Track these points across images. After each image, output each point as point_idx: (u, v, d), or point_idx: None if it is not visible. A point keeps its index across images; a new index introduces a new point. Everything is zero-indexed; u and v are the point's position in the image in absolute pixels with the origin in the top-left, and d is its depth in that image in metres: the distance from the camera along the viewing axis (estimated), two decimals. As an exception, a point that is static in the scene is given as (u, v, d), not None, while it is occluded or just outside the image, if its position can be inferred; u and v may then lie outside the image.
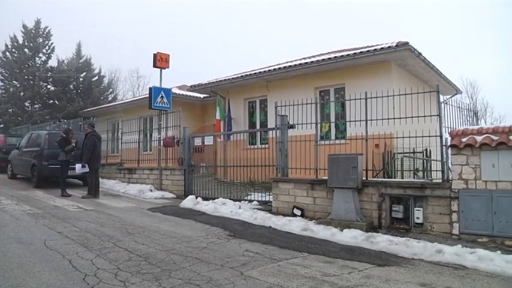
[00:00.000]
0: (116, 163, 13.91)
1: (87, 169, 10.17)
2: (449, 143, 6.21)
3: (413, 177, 8.82)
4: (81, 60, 31.10)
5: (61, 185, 10.34)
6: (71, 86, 29.84)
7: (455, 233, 5.98)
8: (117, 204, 9.30)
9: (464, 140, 5.99)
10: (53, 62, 29.75)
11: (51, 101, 28.87)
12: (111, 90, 33.86)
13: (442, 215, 6.20)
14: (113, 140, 16.13)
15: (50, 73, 28.81)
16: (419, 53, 10.56)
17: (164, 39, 54.96)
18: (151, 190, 11.17)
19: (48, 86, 29.35)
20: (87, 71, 30.74)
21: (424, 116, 6.69)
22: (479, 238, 5.74)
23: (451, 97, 14.53)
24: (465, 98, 32.72)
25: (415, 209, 6.46)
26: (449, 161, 6.29)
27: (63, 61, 30.20)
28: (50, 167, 11.42)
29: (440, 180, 6.47)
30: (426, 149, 8.91)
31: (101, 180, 11.33)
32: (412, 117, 6.84)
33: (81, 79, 30.24)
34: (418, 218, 6.41)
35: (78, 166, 10.14)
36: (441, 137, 6.54)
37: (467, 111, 7.82)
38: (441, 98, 7.11)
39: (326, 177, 7.44)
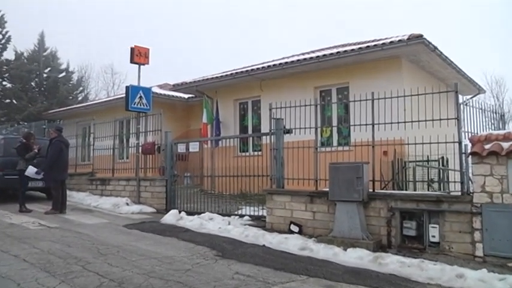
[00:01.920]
0: (86, 173, 13.75)
1: (39, 176, 10.03)
2: (469, 150, 6.17)
3: (428, 189, 8.83)
4: (44, 54, 30.29)
5: (20, 198, 10.11)
6: (33, 83, 29.11)
7: (479, 255, 5.90)
8: (87, 220, 9.17)
9: (487, 146, 5.93)
10: (9, 55, 28.82)
11: (8, 100, 27.91)
12: (81, 88, 33.59)
13: (462, 234, 6.13)
14: (83, 146, 15.99)
15: (5, 67, 28.00)
16: (435, 47, 10.60)
17: (144, 30, 55.09)
18: (127, 204, 11.05)
19: (4, 83, 28.43)
20: (52, 66, 30.26)
21: (440, 120, 6.68)
22: (510, 262, 5.61)
23: (472, 97, 14.64)
24: (489, 98, 32.26)
25: (430, 226, 6.41)
26: (470, 171, 6.26)
27: (22, 54, 29.21)
28: (6, 178, 11.15)
29: (460, 193, 6.43)
30: (442, 157, 8.92)
31: (68, 192, 11.16)
32: (426, 120, 6.82)
33: (44, 75, 29.61)
34: (433, 236, 6.35)
35: (31, 169, 9.94)
36: (460, 143, 6.51)
37: (492, 114, 7.76)
38: (460, 98, 7.13)
39: (327, 189, 7.39)
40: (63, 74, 30.96)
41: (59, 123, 18.64)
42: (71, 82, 31.61)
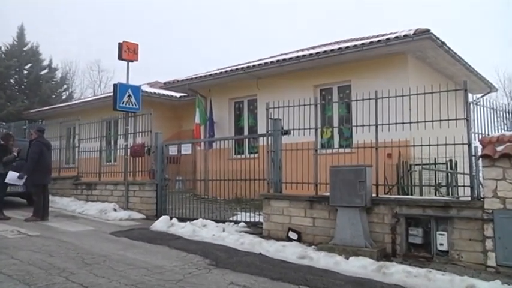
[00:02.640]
0: (71, 177, 13.68)
1: (21, 182, 9.94)
2: (480, 153, 6.17)
3: (435, 194, 8.82)
4: (25, 48, 30.23)
5: None
6: (12, 81, 29.05)
7: (491, 265, 5.86)
8: (71, 227, 9.10)
9: (499, 148, 5.90)
10: (-16, 49, 28.92)
11: (-16, 99, 28.11)
12: (65, 86, 33.55)
13: (472, 242, 6.10)
14: (67, 149, 15.91)
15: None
16: (443, 42, 10.62)
17: (133, 25, 55.05)
18: (115, 210, 11.01)
19: (-21, 80, 28.38)
20: (34, 62, 30.12)
21: (448, 120, 6.66)
22: (526, 274, 5.59)
23: (483, 96, 14.67)
24: (502, 96, 32.24)
25: (438, 233, 6.39)
26: (481, 175, 6.25)
27: (-1, 48, 29.51)
28: None
29: (469, 198, 6.41)
30: (451, 160, 8.92)
31: (51, 198, 11.09)
32: (433, 121, 6.82)
33: (25, 72, 29.56)
34: (441, 244, 6.33)
35: (12, 174, 9.82)
36: (470, 145, 6.49)
37: (505, 113, 7.72)
38: (470, 97, 7.13)
39: (328, 194, 7.38)
40: (46, 70, 30.84)
41: (40, 123, 18.58)
42: (54, 79, 31.50)
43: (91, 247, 7.08)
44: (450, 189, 8.24)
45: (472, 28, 51.30)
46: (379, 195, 7.26)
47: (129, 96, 11.41)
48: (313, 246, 7.19)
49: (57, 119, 16.70)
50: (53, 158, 11.50)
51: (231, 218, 9.55)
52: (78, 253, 6.59)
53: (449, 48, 10.98)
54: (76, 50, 55.10)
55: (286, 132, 8.48)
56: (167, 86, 16.18)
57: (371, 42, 10.89)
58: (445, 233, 6.33)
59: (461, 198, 6.83)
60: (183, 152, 11.09)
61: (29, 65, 29.92)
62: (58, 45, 47.93)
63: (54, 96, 30.03)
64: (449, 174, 9.12)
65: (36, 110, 22.98)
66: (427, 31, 10.05)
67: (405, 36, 10.27)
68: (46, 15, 54.44)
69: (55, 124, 15.56)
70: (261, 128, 12.52)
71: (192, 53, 57.73)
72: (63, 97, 31.53)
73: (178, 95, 17.87)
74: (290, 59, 12.53)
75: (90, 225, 9.41)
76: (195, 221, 9.09)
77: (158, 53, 52.42)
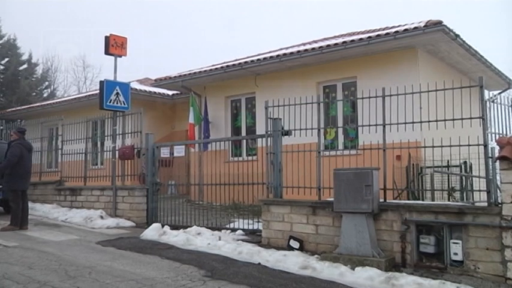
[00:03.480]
0: (53, 181, 13.62)
1: None
2: (497, 154, 6.14)
3: (448, 199, 8.81)
4: (0, 41, 30.31)
5: None
6: (-14, 77, 29.21)
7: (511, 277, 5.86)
8: (53, 237, 9.05)
9: (519, 150, 5.89)
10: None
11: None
12: (46, 83, 33.52)
13: (490, 251, 6.05)
14: (49, 151, 15.88)
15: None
16: (457, 35, 10.61)
17: (121, 17, 55.07)
18: (102, 217, 10.98)
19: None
20: (11, 57, 30.01)
21: (462, 119, 6.63)
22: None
23: (500, 93, 14.69)
24: None
25: (452, 241, 6.35)
26: (498, 178, 6.22)
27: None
28: None
29: (486, 204, 6.38)
30: (465, 162, 8.90)
31: (31, 205, 11.07)
32: (445, 120, 6.79)
33: (1, 67, 29.50)
34: (455, 253, 6.29)
35: None
36: (486, 146, 6.45)
37: None
38: (487, 94, 7.08)
39: (332, 199, 7.35)
40: (25, 66, 30.72)
41: (20, 123, 18.51)
42: (35, 76, 31.42)
43: (75, 258, 7.03)
44: (465, 194, 8.22)
45: (488, 18, 51.45)
46: (387, 201, 7.24)
47: (117, 94, 11.39)
48: (316, 256, 7.16)
49: (38, 118, 16.61)
50: (34, 162, 11.46)
51: (227, 226, 9.53)
52: (61, 265, 6.54)
53: (464, 41, 10.95)
54: (59, 43, 55.10)
55: (287, 133, 8.46)
56: (158, 83, 16.18)
57: (378, 36, 10.88)
58: (460, 241, 6.28)
59: (477, 204, 6.81)
60: (175, 155, 11.09)
61: (6, 59, 29.80)
62: (39, 38, 47.90)
63: (34, 94, 29.97)
64: (463, 177, 9.11)
65: (14, 108, 22.97)
66: (439, 23, 10.02)
67: (415, 28, 10.25)
68: (24, 4, 54.33)
69: (36, 124, 15.49)
70: (260, 129, 12.53)
71: (187, 49, 57.84)
72: (45, 95, 31.50)
73: (170, 92, 17.86)
74: (291, 53, 12.52)
75: (74, 234, 9.36)
76: (188, 228, 9.05)
77: (149, 48, 52.32)
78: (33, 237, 8.94)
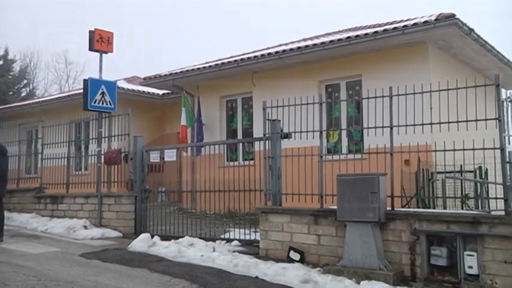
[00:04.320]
0: (32, 188, 13.59)
1: None
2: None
3: (462, 208, 8.82)
4: (-28, 36, 30.41)
5: None
6: (-43, 74, 29.13)
7: (533, 293, 5.83)
8: (32, 249, 8.99)
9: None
10: None
11: None
12: (25, 81, 33.49)
13: (508, 264, 6.02)
14: (28, 156, 15.85)
15: None
16: (471, 29, 10.62)
17: (108, 10, 55.07)
18: (86, 227, 10.96)
19: None
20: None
21: (477, 120, 6.62)
22: None
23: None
24: None
25: (466, 253, 6.32)
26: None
27: None
28: None
29: (503, 213, 6.39)
30: (480, 167, 8.91)
31: (7, 214, 11.03)
32: (458, 121, 6.76)
33: (-27, 64, 29.54)
34: (470, 267, 6.25)
35: None
36: (503, 149, 6.45)
37: None
38: (504, 93, 7.10)
39: (335, 207, 7.37)
40: (0, 62, 30.70)
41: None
42: (12, 73, 31.41)
43: (56, 272, 6.99)
44: (480, 202, 8.22)
45: (505, 11, 51.64)
46: (395, 209, 7.23)
47: (103, 93, 11.37)
48: (318, 269, 7.16)
49: (15, 120, 16.53)
50: (11, 167, 11.41)
51: (222, 236, 9.53)
52: (40, 280, 6.49)
53: (479, 36, 10.97)
54: (39, 38, 55.03)
55: (287, 136, 8.46)
56: (148, 81, 16.18)
57: (385, 30, 10.91)
58: (475, 253, 6.26)
59: (493, 213, 6.82)
60: (166, 159, 11.07)
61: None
62: (16, 32, 47.79)
63: (11, 93, 29.98)
64: (478, 184, 9.11)
65: (-12, 109, 22.88)
66: (452, 16, 10.01)
67: (425, 22, 10.26)
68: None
69: (13, 126, 15.45)
70: (258, 131, 12.50)
71: (180, 47, 57.95)
72: (23, 94, 31.49)
73: (161, 92, 17.87)
74: (291, 50, 12.55)
75: (55, 246, 9.32)
76: (180, 239, 9.07)
77: (139, 44, 52.45)
78: (9, 250, 8.87)
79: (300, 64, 12.87)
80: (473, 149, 6.68)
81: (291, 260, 7.69)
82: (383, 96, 7.48)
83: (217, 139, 14.31)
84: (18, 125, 15.10)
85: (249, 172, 9.18)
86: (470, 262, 6.26)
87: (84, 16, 49.82)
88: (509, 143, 6.54)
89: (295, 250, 7.83)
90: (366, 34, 11.18)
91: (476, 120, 6.65)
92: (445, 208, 8.38)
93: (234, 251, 8.44)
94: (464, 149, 6.71)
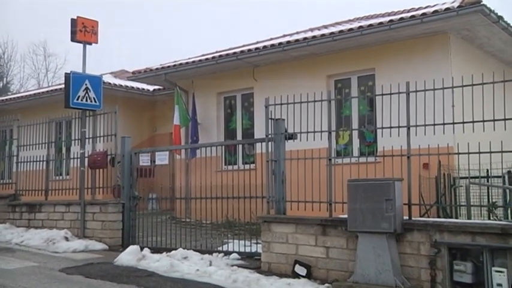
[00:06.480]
0: (6, 195, 13.64)
1: None
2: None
3: (489, 217, 8.80)
4: None
5: None
6: None
7: None
8: (5, 264, 9.00)
9: None
10: None
11: None
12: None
13: (542, 282, 6.04)
14: (1, 159, 15.85)
15: None
16: (499, 17, 10.61)
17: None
18: (67, 238, 10.99)
19: None
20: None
21: (505, 120, 6.61)
22: None
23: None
24: None
25: (494, 269, 6.27)
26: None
27: None
28: None
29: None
30: (509, 172, 8.88)
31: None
32: (484, 121, 6.75)
33: None
34: (499, 285, 6.18)
35: None
36: (535, 152, 6.48)
37: None
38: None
39: (345, 216, 7.37)
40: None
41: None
42: (-18, 66, 31.51)
43: (33, 290, 7.00)
44: (509, 211, 8.19)
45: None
46: (413, 218, 7.21)
47: (87, 89, 11.40)
48: (326, 285, 7.17)
49: (-15, 119, 16.68)
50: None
51: (220, 248, 9.56)
52: (15, 299, 6.53)
53: (508, 25, 10.96)
54: (14, 26, 55.00)
55: (292, 137, 8.48)
56: (137, 76, 16.18)
57: (401, 19, 10.89)
58: (505, 269, 6.19)
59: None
60: (157, 162, 11.12)
61: None
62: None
63: (-18, 88, 30.08)
64: (507, 190, 9.08)
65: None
66: (478, 2, 9.95)
67: (447, 10, 10.23)
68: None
69: (-17, 126, 15.54)
70: (259, 131, 12.50)
71: (174, 38, 58.08)
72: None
73: (151, 88, 17.90)
74: (296, 41, 12.54)
75: (32, 260, 9.33)
76: (173, 252, 9.10)
77: (127, 34, 52.49)
78: (-21, 265, 8.89)
79: (306, 57, 12.88)
80: (501, 152, 6.65)
81: (296, 275, 7.70)
82: (399, 93, 7.48)
83: (214, 140, 14.29)
84: (-9, 125, 15.14)
85: (250, 177, 9.16)
86: (499, 279, 6.18)
87: (67, 2, 49.81)
88: (541, 146, 6.52)
89: (301, 264, 7.82)
90: (380, 23, 11.17)
91: (504, 120, 6.63)
92: (469, 218, 8.37)
93: (232, 265, 8.44)
94: (490, 152, 6.68)
